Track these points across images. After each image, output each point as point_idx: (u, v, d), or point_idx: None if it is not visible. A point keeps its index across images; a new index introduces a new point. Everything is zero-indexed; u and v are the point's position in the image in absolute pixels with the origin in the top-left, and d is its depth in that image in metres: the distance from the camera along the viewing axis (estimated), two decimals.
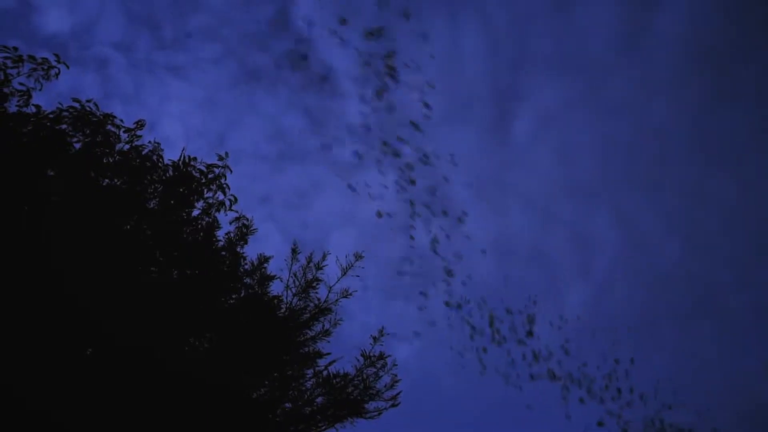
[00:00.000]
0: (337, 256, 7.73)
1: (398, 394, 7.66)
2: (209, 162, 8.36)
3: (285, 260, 7.91)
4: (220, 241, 8.16)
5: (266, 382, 7.58)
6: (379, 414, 7.64)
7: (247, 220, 8.25)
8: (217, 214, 8.39)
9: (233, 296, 7.81)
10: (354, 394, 7.62)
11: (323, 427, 7.68)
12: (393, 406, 7.71)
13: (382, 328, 7.61)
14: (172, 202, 7.97)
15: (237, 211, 8.34)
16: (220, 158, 8.47)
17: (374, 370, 7.62)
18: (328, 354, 7.89)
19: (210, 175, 8.39)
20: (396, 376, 7.65)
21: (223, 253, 8.06)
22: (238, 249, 8.19)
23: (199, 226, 8.18)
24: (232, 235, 8.24)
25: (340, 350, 8.02)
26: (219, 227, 8.25)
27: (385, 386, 7.65)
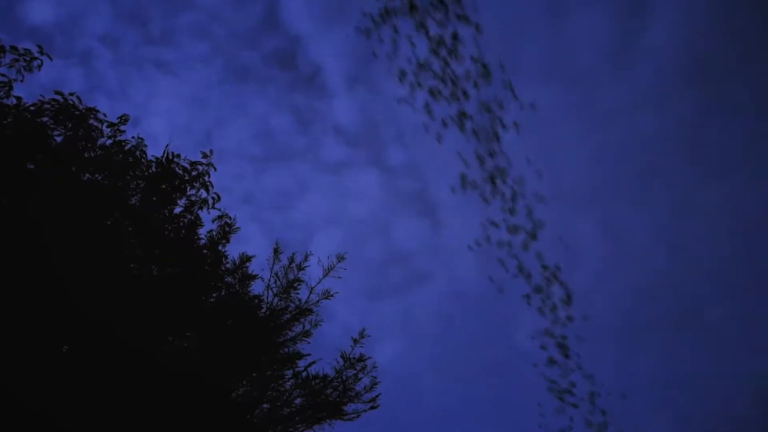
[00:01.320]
0: (319, 257, 7.74)
1: (377, 396, 7.67)
2: (193, 159, 8.32)
3: (267, 260, 7.89)
4: (202, 239, 8.11)
5: (245, 383, 7.54)
6: (358, 416, 7.65)
7: (230, 218, 8.21)
8: (199, 212, 8.34)
9: (214, 295, 7.76)
10: (333, 396, 7.61)
11: (301, 429, 7.67)
12: (372, 408, 7.72)
13: (363, 329, 7.63)
14: (154, 198, 7.91)
15: (220, 210, 8.30)
16: (205, 156, 8.42)
17: (354, 372, 7.63)
18: (308, 355, 7.87)
19: (194, 173, 8.33)
20: (376, 378, 7.67)
21: (205, 251, 8.01)
22: (220, 248, 8.14)
23: (181, 224, 8.12)
24: (214, 233, 8.18)
25: (321, 352, 8.00)
26: (201, 225, 8.20)
27: (364, 388, 7.66)
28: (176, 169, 8.19)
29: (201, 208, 8.35)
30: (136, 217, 7.40)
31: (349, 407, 7.66)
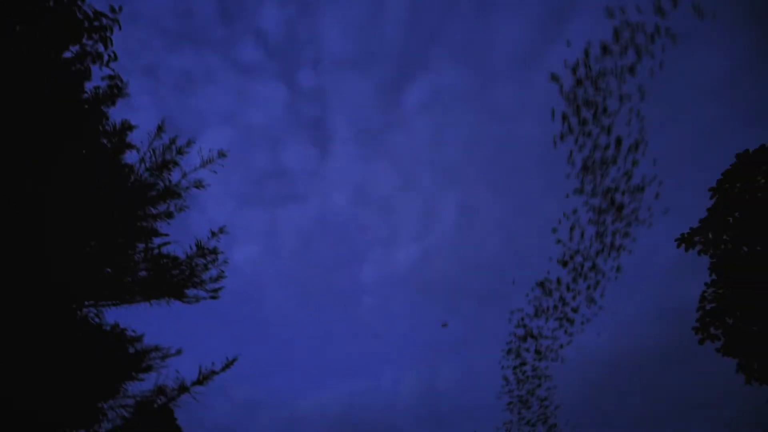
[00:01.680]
0: (201, 147, 7.82)
1: (221, 288, 8.13)
2: (99, 9, 7.90)
3: (148, 134, 7.84)
4: (86, 93, 7.84)
5: (93, 243, 7.63)
6: (197, 301, 8.08)
7: (122, 82, 7.97)
8: (91, 66, 8.01)
9: (83, 150, 7.63)
10: (178, 277, 7.95)
11: (138, 300, 7.97)
12: (213, 298, 8.18)
13: (224, 226, 7.94)
14: (43, 35, 7.47)
15: (113, 70, 8.02)
16: (113, 10, 8.02)
17: (204, 261, 7.99)
18: (166, 235, 8.09)
19: (96, 23, 7.94)
20: (223, 272, 8.09)
21: (86, 106, 7.78)
22: (104, 108, 7.94)
23: (68, 70, 7.78)
24: (101, 91, 7.93)
25: (180, 238, 8.25)
26: (89, 79, 7.90)
27: (210, 278, 8.07)
28: (77, 12, 7.76)
29: (94, 62, 8.02)
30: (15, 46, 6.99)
31: (191, 292, 8.07)
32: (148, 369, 8.00)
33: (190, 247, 7.93)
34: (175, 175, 7.94)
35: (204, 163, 7.88)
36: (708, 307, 11.48)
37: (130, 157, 7.98)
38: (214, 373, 7.71)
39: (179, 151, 7.95)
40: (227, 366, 7.72)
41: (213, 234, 7.89)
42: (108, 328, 7.96)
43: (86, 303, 7.79)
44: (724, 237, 11.33)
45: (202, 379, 7.68)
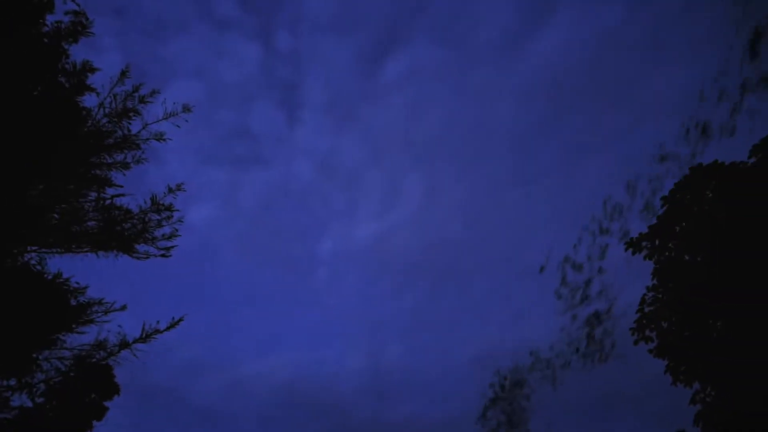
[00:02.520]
0: (165, 98, 7.53)
1: (173, 247, 7.91)
2: None
3: (110, 78, 7.47)
4: (47, 26, 7.37)
5: (40, 186, 7.27)
6: (147, 257, 7.85)
7: (87, 19, 7.53)
8: None
9: (38, 87, 7.21)
10: (129, 231, 7.69)
11: (85, 250, 7.67)
12: (164, 256, 7.96)
13: (182, 183, 7.70)
14: None
15: (79, 6, 7.56)
16: None
17: (158, 217, 7.74)
18: (120, 186, 7.78)
19: None
20: (177, 230, 7.87)
21: (46, 40, 7.32)
22: (65, 45, 7.50)
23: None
24: (63, 26, 7.47)
25: (136, 191, 7.94)
26: (52, 11, 7.42)
27: (163, 235, 7.83)
28: None
29: None
30: None
31: (142, 247, 7.82)
32: (90, 322, 7.75)
33: (145, 201, 7.66)
34: (135, 125, 7.64)
35: (167, 116, 7.60)
36: (646, 309, 12.08)
37: (89, 100, 7.60)
38: (158, 331, 7.54)
39: (142, 100, 7.63)
40: (172, 325, 7.57)
41: (170, 190, 7.65)
42: (50, 276, 7.64)
43: (29, 248, 7.44)
44: (669, 245, 11.90)
45: (146, 337, 7.51)
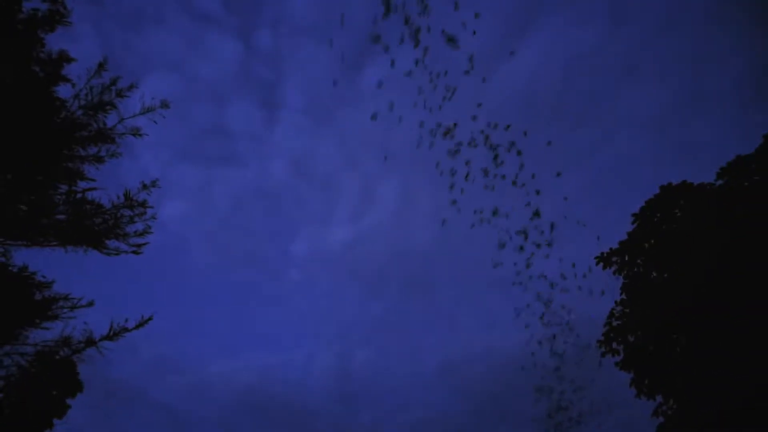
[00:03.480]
0: (144, 93, 7.41)
1: (145, 244, 7.78)
2: None
3: (87, 70, 7.32)
4: (22, 12, 7.19)
5: (8, 176, 7.07)
6: (117, 254, 7.70)
7: (65, 8, 7.38)
8: None
9: (10, 75, 7.02)
10: (100, 226, 7.53)
11: (53, 244, 7.49)
12: (135, 253, 7.82)
13: (157, 180, 7.59)
14: None
15: None
16: None
17: (131, 213, 7.60)
18: (93, 180, 7.62)
19: None
20: (150, 227, 7.74)
21: (20, 26, 7.14)
22: (40, 33, 7.32)
23: None
24: (39, 14, 7.30)
25: (109, 186, 7.79)
26: None
27: (135, 232, 7.70)
28: None
29: None
30: None
31: (113, 243, 7.67)
32: (55, 318, 7.56)
33: (117, 197, 7.52)
34: (111, 119, 7.50)
35: (144, 110, 7.48)
36: (614, 323, 12.34)
37: (64, 91, 7.43)
38: (125, 330, 7.40)
39: (119, 94, 7.49)
40: (141, 324, 7.43)
41: (144, 186, 7.52)
42: (15, 269, 7.43)
43: None
44: (638, 261, 12.19)
45: (113, 335, 7.36)
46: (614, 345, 12.25)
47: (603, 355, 12.47)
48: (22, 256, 7.42)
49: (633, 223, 12.07)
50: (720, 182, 10.85)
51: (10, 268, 7.35)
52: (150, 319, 7.32)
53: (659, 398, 11.75)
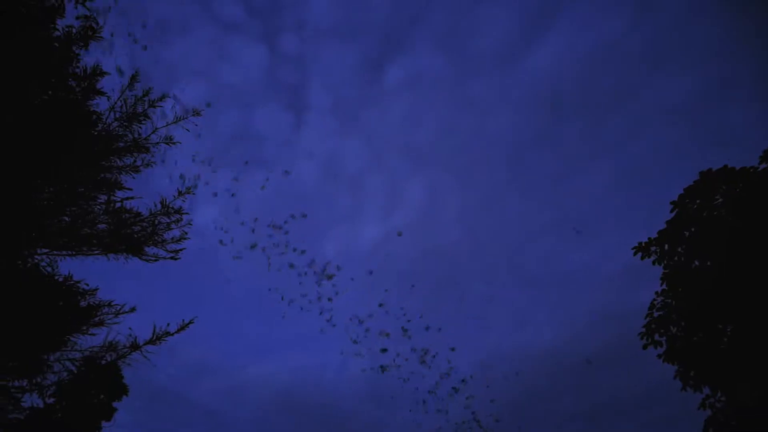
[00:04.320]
0: (175, 102, 7.57)
1: (182, 249, 7.96)
2: None
3: (121, 82, 7.52)
4: (58, 30, 7.44)
5: (51, 189, 7.33)
6: (156, 260, 7.89)
7: (97, 24, 7.59)
8: (66, 3, 7.58)
9: (49, 92, 7.27)
10: (139, 233, 7.73)
11: (96, 252, 7.73)
12: (173, 258, 8.00)
13: (192, 186, 7.74)
14: None
15: (89, 9, 7.61)
16: None
17: (168, 220, 7.78)
18: (129, 189, 7.83)
19: None
20: (186, 233, 7.91)
21: (56, 44, 7.38)
22: (75, 48, 7.55)
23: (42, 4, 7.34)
24: (74, 31, 7.53)
25: (145, 194, 8.00)
26: (62, 16, 7.48)
27: (172, 238, 7.88)
28: None
29: None
30: None
31: (151, 250, 7.87)
32: (100, 324, 7.80)
33: (155, 204, 7.71)
34: (145, 129, 7.68)
35: (177, 119, 7.64)
36: (656, 314, 11.98)
37: (100, 104, 7.66)
38: (168, 334, 7.58)
39: (152, 104, 7.67)
40: (182, 328, 7.60)
41: (180, 193, 7.69)
42: (60, 278, 7.70)
43: (39, 251, 7.51)
44: (679, 249, 11.80)
45: (156, 339, 7.55)
46: (656, 337, 11.91)
47: (645, 347, 12.13)
48: (67, 265, 7.69)
49: (672, 211, 11.69)
50: (764, 165, 10.40)
51: (56, 277, 7.62)
52: (191, 322, 7.49)
53: (706, 390, 11.37)
